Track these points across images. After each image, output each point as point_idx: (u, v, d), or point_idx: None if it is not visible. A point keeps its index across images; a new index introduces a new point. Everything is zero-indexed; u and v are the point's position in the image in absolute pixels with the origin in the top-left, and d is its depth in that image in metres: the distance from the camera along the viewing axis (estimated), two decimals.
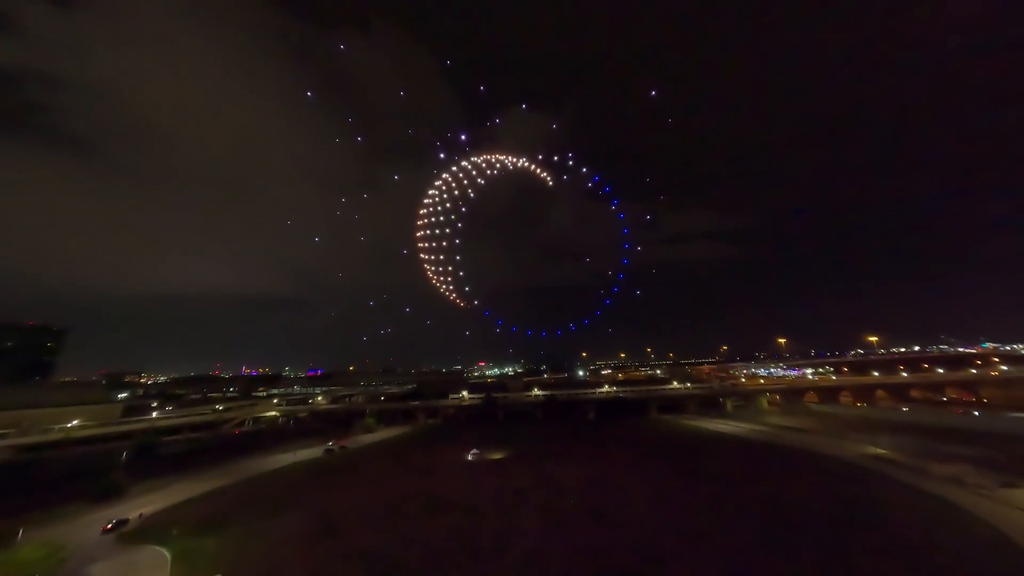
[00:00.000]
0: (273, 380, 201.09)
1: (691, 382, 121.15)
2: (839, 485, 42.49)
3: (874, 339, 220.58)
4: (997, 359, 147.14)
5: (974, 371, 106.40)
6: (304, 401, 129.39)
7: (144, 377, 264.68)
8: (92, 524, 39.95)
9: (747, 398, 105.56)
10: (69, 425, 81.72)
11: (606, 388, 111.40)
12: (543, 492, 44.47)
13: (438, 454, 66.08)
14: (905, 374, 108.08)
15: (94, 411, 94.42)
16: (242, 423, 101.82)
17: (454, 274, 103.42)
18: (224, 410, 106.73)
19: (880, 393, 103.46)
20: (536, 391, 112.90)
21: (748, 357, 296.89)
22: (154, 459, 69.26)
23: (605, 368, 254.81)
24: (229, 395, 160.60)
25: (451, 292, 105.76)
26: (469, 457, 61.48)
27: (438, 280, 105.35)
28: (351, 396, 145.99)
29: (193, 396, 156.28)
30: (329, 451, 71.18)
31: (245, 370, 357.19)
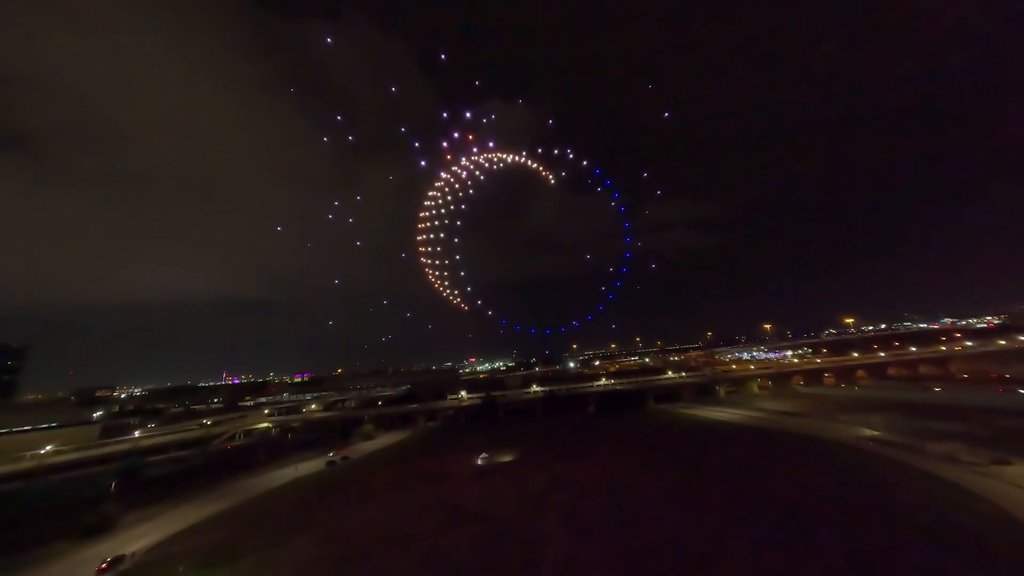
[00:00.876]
0: (260, 388, 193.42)
1: (684, 370, 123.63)
2: (845, 471, 43.76)
3: (850, 320, 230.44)
4: (959, 334, 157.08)
5: (943, 348, 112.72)
6: (296, 409, 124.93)
7: (117, 391, 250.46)
8: (84, 564, 36.83)
9: (738, 384, 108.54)
10: (43, 451, 75.80)
11: (603, 381, 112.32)
12: (561, 496, 43.95)
13: (446, 460, 64.70)
14: (882, 354, 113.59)
15: (69, 434, 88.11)
16: (233, 437, 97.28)
17: (455, 276, 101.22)
18: (213, 424, 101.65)
19: (860, 373, 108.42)
20: (535, 387, 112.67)
21: (730, 342, 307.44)
22: (142, 484, 65.00)
23: (596, 359, 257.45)
24: (214, 406, 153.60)
25: (455, 298, 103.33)
26: (479, 462, 60.42)
27: (440, 284, 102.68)
28: (344, 401, 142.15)
29: (175, 410, 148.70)
30: (332, 463, 68.66)
31: (226, 377, 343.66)
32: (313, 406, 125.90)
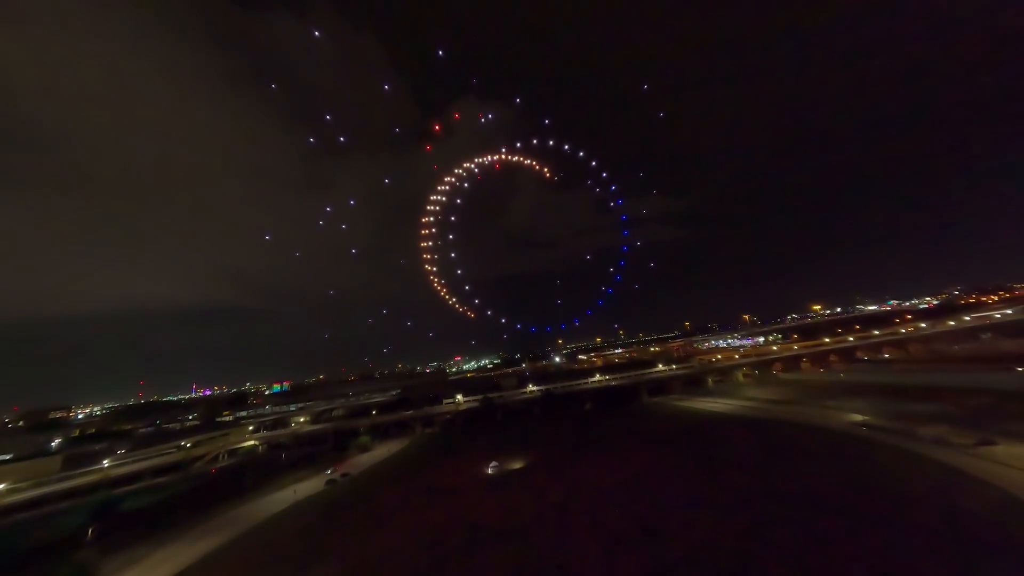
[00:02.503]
0: (238, 401, 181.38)
1: (671, 362, 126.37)
2: (851, 461, 44.92)
3: (817, 307, 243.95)
4: (909, 316, 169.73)
5: (902, 330, 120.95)
6: (283, 423, 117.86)
7: (74, 411, 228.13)
8: None
9: (724, 373, 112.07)
10: None
11: (598, 377, 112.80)
12: (582, 504, 42.85)
13: (453, 470, 62.33)
14: (851, 338, 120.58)
15: (25, 468, 78.70)
16: (217, 458, 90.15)
17: (453, 276, 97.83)
18: (192, 445, 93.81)
19: (832, 357, 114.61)
20: (531, 387, 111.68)
21: (704, 330, 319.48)
22: (119, 520, 58.43)
23: (581, 353, 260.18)
24: (189, 424, 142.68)
25: (456, 299, 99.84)
26: (489, 471, 58.46)
27: (441, 286, 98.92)
28: (332, 411, 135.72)
29: (145, 430, 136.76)
30: (332, 482, 64.55)
31: (196, 389, 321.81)
32: (301, 418, 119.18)
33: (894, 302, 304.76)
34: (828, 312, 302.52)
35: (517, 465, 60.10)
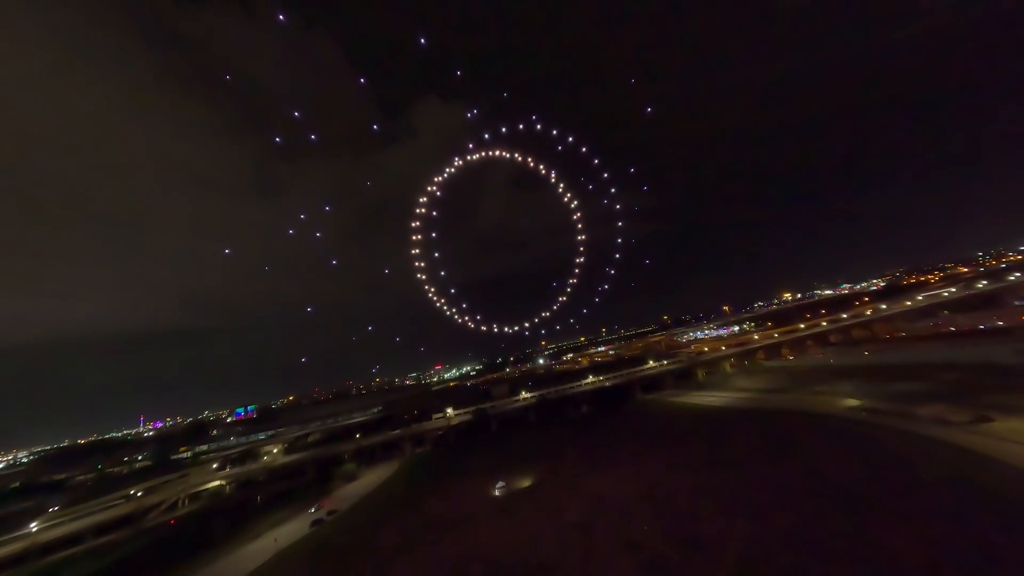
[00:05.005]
0: (197, 432, 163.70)
1: (658, 357, 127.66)
2: (860, 448, 45.38)
3: (787, 294, 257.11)
4: (867, 297, 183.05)
5: (867, 312, 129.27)
6: (253, 455, 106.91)
7: None
8: None
9: (712, 365, 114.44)
10: None
11: (591, 378, 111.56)
12: (608, 522, 40.13)
13: (456, 494, 57.77)
14: (824, 323, 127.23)
15: None
16: (176, 505, 79.34)
17: (439, 280, 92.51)
18: (144, 492, 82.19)
19: (808, 343, 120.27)
20: (524, 393, 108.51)
21: (679, 322, 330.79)
22: None
23: (566, 353, 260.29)
24: (139, 465, 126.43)
25: (452, 311, 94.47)
26: (496, 492, 54.51)
27: (437, 297, 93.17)
28: (308, 436, 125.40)
29: (83, 478, 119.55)
30: (317, 522, 57.76)
31: (145, 422, 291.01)
32: (273, 448, 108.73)
33: (847, 285, 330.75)
34: (789, 298, 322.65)
35: (526, 482, 56.59)
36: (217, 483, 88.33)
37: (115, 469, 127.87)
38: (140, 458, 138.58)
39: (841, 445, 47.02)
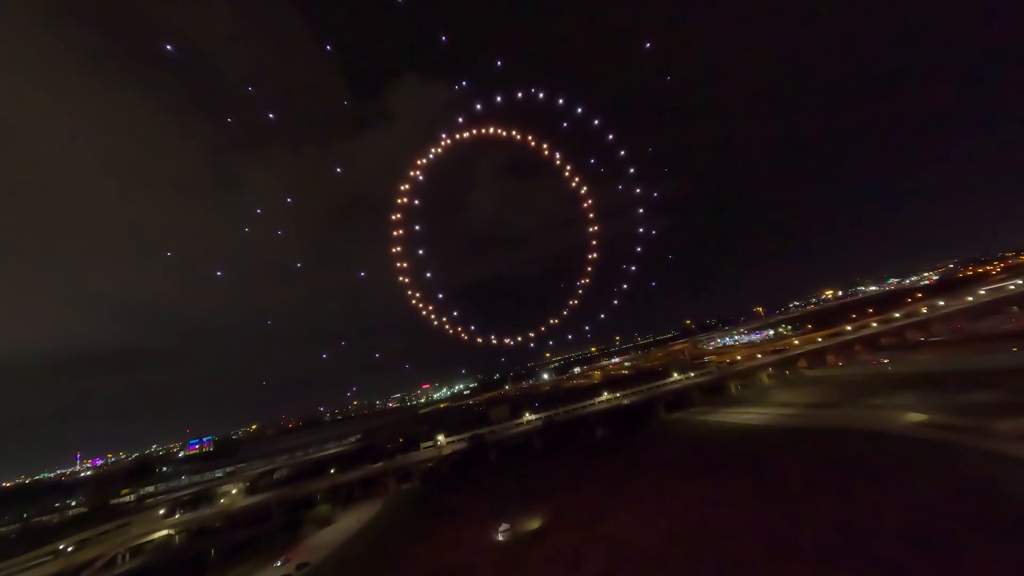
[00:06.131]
0: (142, 471, 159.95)
1: (683, 368, 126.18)
2: (930, 471, 43.73)
3: (828, 292, 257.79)
4: (920, 294, 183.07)
5: (924, 310, 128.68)
6: (207, 497, 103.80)
7: None
8: None
9: (746, 376, 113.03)
10: None
11: (605, 395, 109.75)
12: (633, 573, 38.12)
13: (451, 541, 55.57)
14: (874, 324, 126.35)
15: None
16: (115, 561, 76.35)
17: (424, 285, 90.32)
18: (77, 547, 78.97)
19: (857, 347, 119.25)
20: (528, 415, 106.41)
21: (704, 327, 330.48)
22: None
23: (574, 366, 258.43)
24: (73, 513, 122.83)
25: (440, 321, 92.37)
26: (499, 537, 52.36)
27: (423, 305, 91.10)
28: (274, 472, 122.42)
29: (5, 529, 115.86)
30: None
31: (82, 459, 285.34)
32: (233, 489, 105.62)
33: (894, 280, 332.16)
34: (830, 296, 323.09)
35: (533, 524, 54.46)
36: (164, 533, 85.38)
37: (43, 518, 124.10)
38: (74, 504, 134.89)
39: (910, 470, 45.32)
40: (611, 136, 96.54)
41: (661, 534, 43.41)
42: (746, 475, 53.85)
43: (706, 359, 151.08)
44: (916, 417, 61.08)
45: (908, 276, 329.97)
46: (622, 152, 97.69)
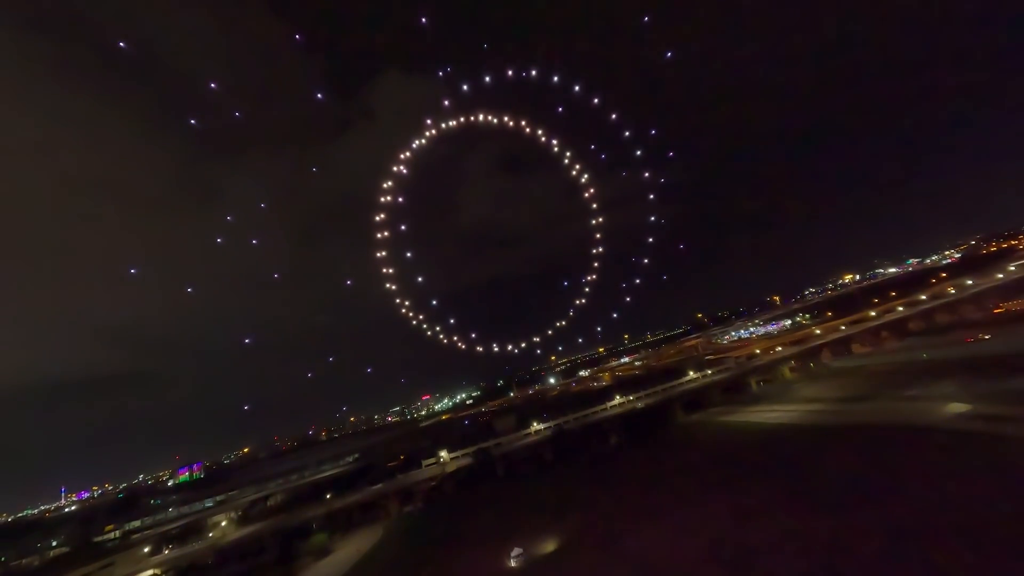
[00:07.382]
0: (128, 505, 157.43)
1: (702, 366, 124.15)
2: (981, 467, 41.62)
3: (847, 277, 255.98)
4: (944, 273, 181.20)
5: (951, 290, 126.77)
6: (196, 530, 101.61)
7: None
8: None
9: (767, 371, 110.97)
10: None
11: (618, 399, 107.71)
12: None
13: (458, 566, 53.67)
14: (900, 308, 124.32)
15: None
16: None
17: (414, 291, 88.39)
18: None
19: (884, 334, 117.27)
20: (536, 424, 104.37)
21: (715, 320, 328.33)
22: None
23: (580, 368, 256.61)
24: (54, 553, 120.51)
25: (443, 334, 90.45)
26: (512, 562, 50.18)
27: (417, 316, 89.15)
28: (267, 499, 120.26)
29: None
30: None
31: (66, 493, 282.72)
32: (223, 521, 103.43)
33: (914, 261, 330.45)
34: (849, 280, 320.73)
35: (550, 546, 52.27)
36: (150, 572, 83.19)
37: (23, 560, 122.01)
38: (55, 544, 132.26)
39: (959, 467, 43.21)
40: (613, 116, 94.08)
41: (693, 553, 41.19)
42: (779, 481, 51.66)
43: (727, 354, 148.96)
44: (959, 408, 59.00)
45: (929, 255, 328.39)
46: (626, 133, 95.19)
